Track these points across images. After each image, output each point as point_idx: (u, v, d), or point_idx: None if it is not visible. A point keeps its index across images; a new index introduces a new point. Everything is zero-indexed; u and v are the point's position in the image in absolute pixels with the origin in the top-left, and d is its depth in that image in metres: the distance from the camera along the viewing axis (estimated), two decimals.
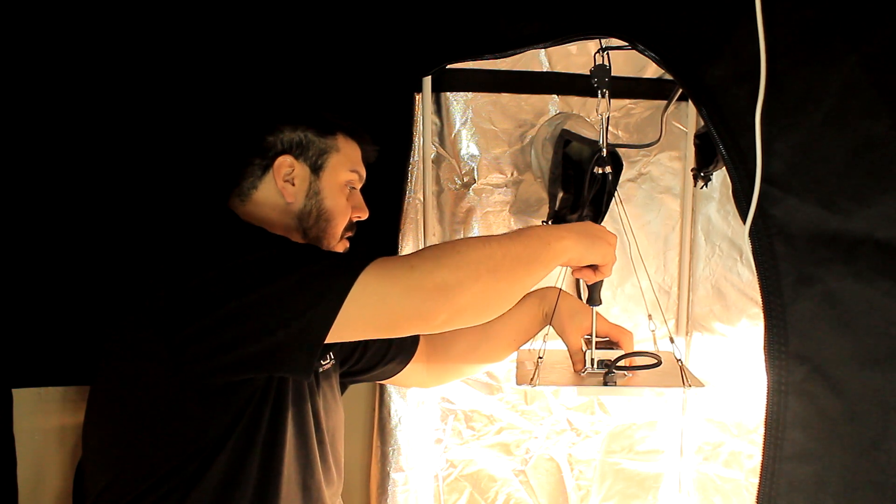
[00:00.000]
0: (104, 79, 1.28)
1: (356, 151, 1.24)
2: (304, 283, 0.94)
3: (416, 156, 1.47)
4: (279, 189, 1.15)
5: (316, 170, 1.17)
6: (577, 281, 1.62)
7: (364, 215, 1.24)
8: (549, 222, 1.45)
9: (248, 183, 1.16)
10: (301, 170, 1.16)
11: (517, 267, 1.02)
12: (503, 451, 1.65)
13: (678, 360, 1.20)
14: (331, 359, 1.27)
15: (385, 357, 1.37)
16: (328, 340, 0.95)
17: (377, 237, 1.50)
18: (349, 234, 1.22)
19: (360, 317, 0.95)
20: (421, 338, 1.42)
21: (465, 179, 1.54)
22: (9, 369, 1.22)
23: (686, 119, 1.69)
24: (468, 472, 1.63)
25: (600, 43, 1.25)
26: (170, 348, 0.95)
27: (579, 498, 1.71)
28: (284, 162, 1.15)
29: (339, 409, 1.29)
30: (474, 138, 1.53)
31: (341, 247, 1.21)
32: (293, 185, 1.16)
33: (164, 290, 0.96)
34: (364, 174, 1.25)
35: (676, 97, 1.37)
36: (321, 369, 1.22)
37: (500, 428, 1.64)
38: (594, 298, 1.25)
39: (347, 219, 1.20)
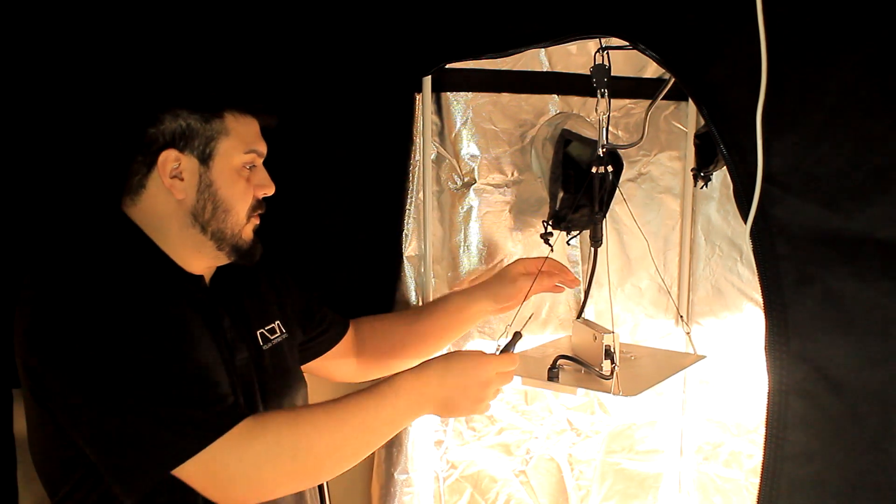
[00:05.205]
0: None
1: (251, 127, 1.13)
2: (154, 427, 0.94)
3: (416, 156, 1.47)
4: (167, 187, 1.06)
5: (205, 160, 1.07)
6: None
7: (270, 191, 1.14)
8: (550, 223, 1.46)
9: (136, 182, 1.08)
10: (188, 162, 1.06)
11: (358, 457, 1.03)
12: (503, 452, 1.65)
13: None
14: (282, 332, 1.23)
15: (323, 330, 1.37)
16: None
17: (379, 238, 1.50)
18: (259, 211, 1.13)
19: (189, 471, 0.94)
20: (350, 330, 1.41)
21: (466, 179, 1.54)
22: (9, 369, 1.22)
23: (686, 119, 1.69)
24: (469, 473, 1.63)
25: (600, 42, 1.25)
26: (36, 385, 1.00)
27: (579, 498, 1.71)
28: (169, 157, 1.05)
29: (297, 380, 1.26)
30: (474, 138, 1.53)
31: (250, 227, 1.13)
32: (182, 180, 1.06)
33: (31, 320, 0.98)
34: (264, 149, 1.14)
35: (661, 96, 1.37)
36: (267, 346, 1.19)
37: (501, 428, 1.64)
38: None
39: (250, 201, 1.12)
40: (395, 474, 1.50)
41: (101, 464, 0.97)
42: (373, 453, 1.53)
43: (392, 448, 1.49)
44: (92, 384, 0.94)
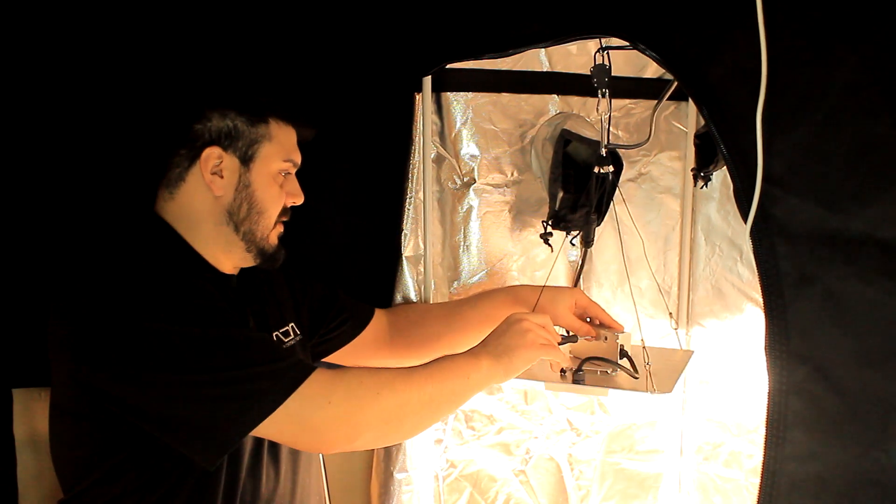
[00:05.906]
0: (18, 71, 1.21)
1: (290, 137, 1.18)
2: (233, 388, 0.96)
3: (416, 156, 1.47)
4: (207, 182, 1.09)
5: (246, 161, 1.11)
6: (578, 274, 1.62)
7: (299, 200, 1.19)
8: (549, 222, 1.46)
9: (175, 174, 1.11)
10: (230, 161, 1.10)
11: (438, 409, 1.09)
12: (503, 451, 1.65)
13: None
14: (296, 334, 1.25)
15: (340, 322, 1.38)
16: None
17: (379, 238, 1.50)
18: (284, 219, 1.18)
19: (279, 423, 0.97)
20: (383, 318, 1.42)
21: (466, 179, 1.54)
22: (9, 369, 1.22)
23: (686, 119, 1.69)
24: (468, 472, 1.63)
25: (600, 42, 1.25)
26: (81, 386, 1.00)
27: (579, 498, 1.71)
28: (212, 154, 1.09)
29: None
30: (474, 138, 1.53)
31: (275, 233, 1.17)
32: (221, 177, 1.10)
33: (78, 323, 0.99)
34: (299, 160, 1.19)
35: (667, 96, 1.37)
36: (283, 347, 1.21)
37: (501, 428, 1.64)
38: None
39: (281, 207, 1.16)
40: (394, 473, 1.50)
41: (180, 442, 0.98)
42: (372, 452, 1.54)
43: (391, 446, 1.49)
44: (163, 369, 0.96)
